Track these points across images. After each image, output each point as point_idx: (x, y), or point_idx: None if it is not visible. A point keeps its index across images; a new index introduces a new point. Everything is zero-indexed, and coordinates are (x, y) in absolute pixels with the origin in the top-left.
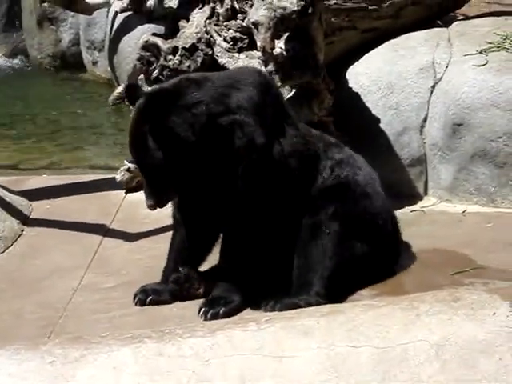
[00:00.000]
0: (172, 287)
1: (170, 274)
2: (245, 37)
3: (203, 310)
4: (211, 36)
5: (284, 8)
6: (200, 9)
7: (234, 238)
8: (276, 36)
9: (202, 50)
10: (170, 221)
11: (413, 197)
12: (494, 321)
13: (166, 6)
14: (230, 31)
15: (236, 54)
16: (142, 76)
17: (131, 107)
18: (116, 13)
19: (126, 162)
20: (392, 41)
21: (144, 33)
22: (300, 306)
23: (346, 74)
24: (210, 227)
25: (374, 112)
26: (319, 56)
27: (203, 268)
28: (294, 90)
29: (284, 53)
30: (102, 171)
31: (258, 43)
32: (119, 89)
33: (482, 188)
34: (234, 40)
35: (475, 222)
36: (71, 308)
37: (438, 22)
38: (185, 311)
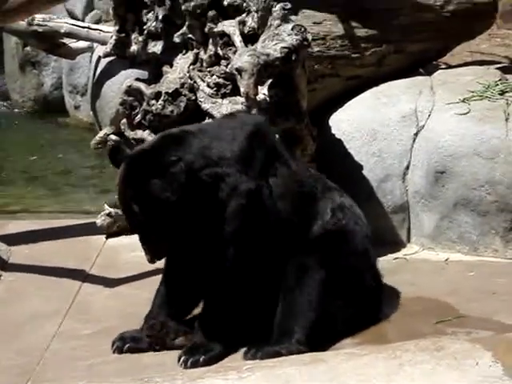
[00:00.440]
0: (146, 333)
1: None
2: (228, 83)
3: (183, 358)
4: (195, 81)
5: (268, 55)
6: (183, 54)
7: (217, 287)
8: (259, 82)
9: (185, 96)
10: (150, 267)
11: (395, 244)
12: (477, 371)
13: (150, 51)
14: (214, 77)
15: (219, 100)
16: (124, 121)
17: (116, 169)
18: (99, 57)
19: (106, 206)
20: (375, 88)
21: (127, 77)
22: (281, 355)
23: (329, 120)
24: (197, 279)
25: (356, 158)
26: (302, 102)
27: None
28: (277, 136)
29: (267, 99)
30: (82, 215)
31: (242, 89)
32: (101, 133)
33: (464, 236)
34: (218, 86)
35: (458, 271)
36: (49, 355)
37: (421, 70)
38: (165, 358)
